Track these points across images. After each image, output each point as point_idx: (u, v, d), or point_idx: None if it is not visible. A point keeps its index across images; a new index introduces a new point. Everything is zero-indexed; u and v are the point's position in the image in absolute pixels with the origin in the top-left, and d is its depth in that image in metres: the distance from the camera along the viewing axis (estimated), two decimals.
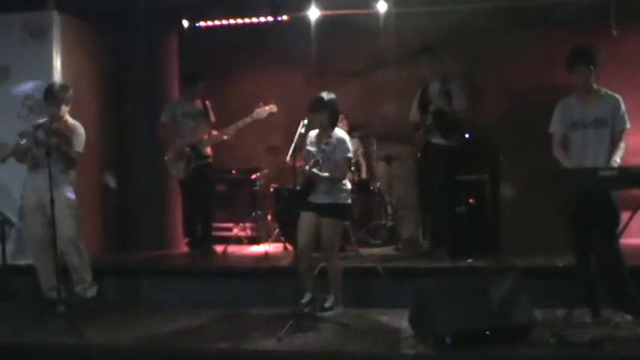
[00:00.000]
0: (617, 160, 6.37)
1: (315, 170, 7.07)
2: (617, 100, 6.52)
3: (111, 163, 9.87)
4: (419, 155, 8.69)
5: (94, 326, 7.06)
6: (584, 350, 5.77)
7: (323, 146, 7.17)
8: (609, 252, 6.38)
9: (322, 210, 7.21)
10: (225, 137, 9.26)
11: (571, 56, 6.57)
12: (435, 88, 8.43)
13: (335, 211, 7.24)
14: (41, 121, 7.70)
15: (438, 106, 8.27)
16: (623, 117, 6.48)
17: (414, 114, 8.72)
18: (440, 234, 8.57)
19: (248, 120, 9.04)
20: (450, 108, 8.26)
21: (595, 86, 6.58)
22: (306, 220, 7.27)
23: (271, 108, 9.01)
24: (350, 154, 7.40)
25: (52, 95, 7.62)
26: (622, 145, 6.46)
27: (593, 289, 6.53)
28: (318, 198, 7.24)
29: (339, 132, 7.37)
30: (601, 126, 6.48)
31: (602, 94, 6.57)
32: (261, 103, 9.01)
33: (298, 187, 7.32)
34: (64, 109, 7.68)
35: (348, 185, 7.41)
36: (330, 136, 7.24)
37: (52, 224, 7.18)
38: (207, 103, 9.50)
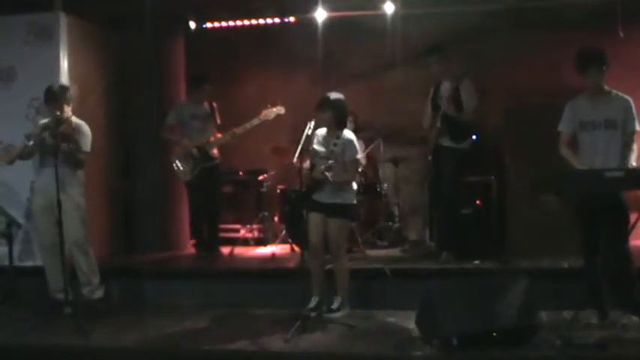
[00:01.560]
0: (632, 162, 6.36)
1: (326, 174, 7.06)
2: (627, 101, 6.50)
3: (117, 164, 9.87)
4: (430, 158, 8.63)
5: (100, 327, 7.07)
6: (591, 352, 5.76)
7: (332, 147, 7.17)
8: (618, 253, 6.37)
9: (329, 210, 7.22)
10: (223, 142, 9.28)
11: (582, 58, 6.53)
12: (446, 87, 8.40)
13: (342, 211, 7.25)
14: (44, 121, 7.69)
15: (445, 111, 8.24)
16: (633, 119, 6.46)
17: (427, 117, 8.68)
18: (446, 235, 8.55)
19: (255, 121, 9.03)
20: (457, 112, 8.21)
21: (606, 87, 6.56)
22: (315, 220, 7.28)
23: (279, 109, 9.00)
24: (358, 156, 7.42)
25: (53, 97, 7.60)
26: (635, 146, 6.44)
27: (600, 291, 6.52)
28: (325, 198, 7.24)
29: (348, 133, 7.36)
30: (611, 127, 6.46)
31: (612, 96, 6.54)
32: (268, 105, 9.01)
33: (304, 189, 7.31)
34: (67, 110, 7.67)
35: (354, 185, 7.42)
36: (338, 137, 7.24)
37: (61, 225, 7.18)
38: (214, 105, 9.50)
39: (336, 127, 7.28)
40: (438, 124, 8.32)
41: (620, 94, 6.55)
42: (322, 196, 7.24)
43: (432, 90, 8.65)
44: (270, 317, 7.29)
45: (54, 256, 7.49)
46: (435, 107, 8.47)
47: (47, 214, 7.55)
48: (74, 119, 7.74)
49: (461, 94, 8.23)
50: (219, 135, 9.29)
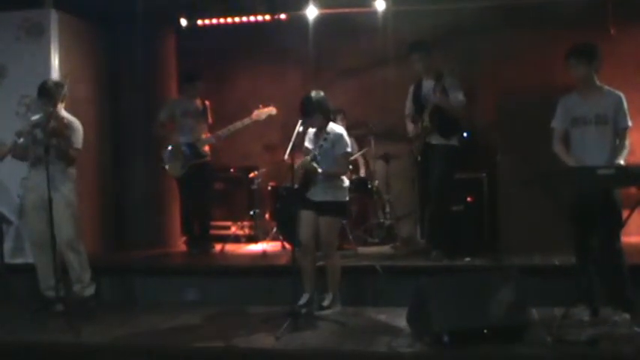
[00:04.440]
0: (620, 161, 6.35)
1: (314, 164, 7.05)
2: (618, 97, 6.48)
3: (108, 161, 9.85)
4: (419, 158, 8.58)
5: (91, 325, 7.06)
6: (582, 349, 5.76)
7: (321, 142, 7.16)
8: (609, 250, 6.37)
9: (321, 208, 7.22)
10: (213, 141, 9.27)
11: (571, 53, 6.55)
12: (428, 85, 8.28)
13: (334, 208, 7.25)
14: (36, 117, 7.66)
15: (436, 103, 8.14)
16: (624, 115, 6.44)
17: (409, 108, 8.63)
18: (437, 232, 8.54)
19: (246, 121, 9.05)
20: (448, 104, 8.12)
21: (597, 83, 6.55)
22: (306, 217, 7.28)
23: (270, 110, 9.01)
24: (349, 149, 7.41)
25: (46, 93, 7.55)
26: (626, 144, 6.43)
27: (592, 288, 6.52)
28: (317, 195, 7.23)
29: (336, 127, 7.35)
30: (601, 123, 6.44)
31: (604, 91, 6.53)
32: (260, 105, 9.01)
33: (296, 185, 7.29)
34: (60, 106, 7.63)
35: (346, 182, 7.42)
36: (327, 132, 7.24)
37: (52, 223, 7.16)
38: (206, 103, 9.49)
39: (324, 124, 7.29)
40: (426, 123, 8.26)
41: (611, 89, 6.54)
42: (314, 194, 7.23)
43: (411, 88, 8.56)
44: (262, 315, 7.27)
45: (45, 254, 7.46)
46: (418, 106, 8.43)
47: (39, 211, 7.52)
48: (66, 115, 7.69)
49: (447, 91, 8.17)
50: (209, 134, 9.28)
